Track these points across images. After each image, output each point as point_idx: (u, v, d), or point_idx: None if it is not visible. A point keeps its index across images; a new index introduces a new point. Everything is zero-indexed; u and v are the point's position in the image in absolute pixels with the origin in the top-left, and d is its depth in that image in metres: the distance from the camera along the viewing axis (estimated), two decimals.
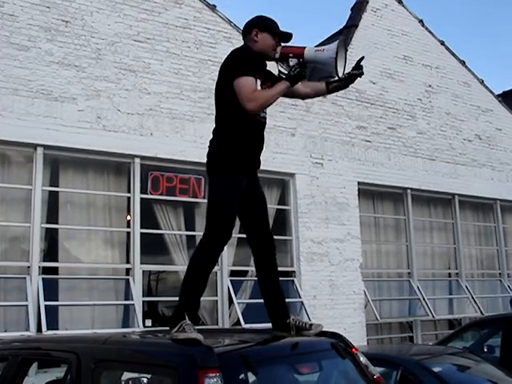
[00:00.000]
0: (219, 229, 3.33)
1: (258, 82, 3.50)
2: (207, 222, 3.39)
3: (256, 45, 3.63)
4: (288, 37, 3.67)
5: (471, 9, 57.03)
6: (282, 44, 3.64)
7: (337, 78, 3.61)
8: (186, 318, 3.10)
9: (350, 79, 3.61)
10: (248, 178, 3.53)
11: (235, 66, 3.47)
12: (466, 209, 11.49)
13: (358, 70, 3.60)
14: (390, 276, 10.22)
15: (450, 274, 11.08)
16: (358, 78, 3.61)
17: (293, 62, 3.48)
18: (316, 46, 3.58)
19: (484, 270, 11.62)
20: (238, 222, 3.58)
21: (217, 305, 8.08)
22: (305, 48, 3.50)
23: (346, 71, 3.58)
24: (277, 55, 3.58)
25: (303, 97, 4.04)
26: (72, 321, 7.03)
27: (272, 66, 3.74)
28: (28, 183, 7.05)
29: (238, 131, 3.47)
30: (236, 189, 3.42)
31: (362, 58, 3.63)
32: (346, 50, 3.62)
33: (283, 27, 3.73)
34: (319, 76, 10.12)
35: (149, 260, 7.88)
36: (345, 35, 10.43)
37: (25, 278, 6.78)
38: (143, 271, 7.65)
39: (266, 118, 3.66)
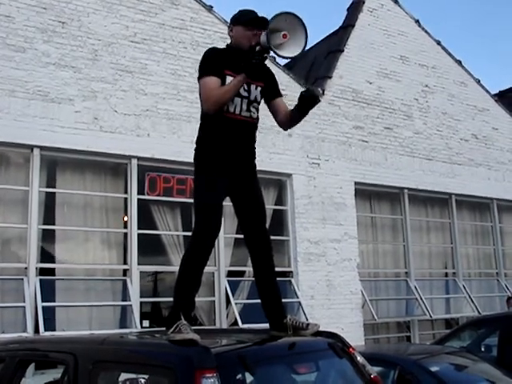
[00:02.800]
0: (201, 223, 3.42)
1: (229, 78, 3.42)
2: (194, 220, 3.45)
3: (233, 40, 3.64)
4: (262, 22, 3.37)
5: (467, 8, 57.13)
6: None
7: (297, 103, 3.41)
8: (182, 318, 3.11)
9: (303, 100, 3.39)
10: (235, 175, 3.51)
11: (199, 68, 3.52)
12: (463, 208, 11.51)
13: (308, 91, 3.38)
14: (387, 276, 10.23)
15: (447, 273, 11.11)
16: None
17: (257, 49, 3.31)
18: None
19: (481, 270, 11.64)
20: (234, 222, 3.59)
21: (214, 305, 8.08)
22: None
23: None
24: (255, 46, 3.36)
25: (282, 123, 3.74)
26: (69, 322, 7.03)
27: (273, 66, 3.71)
28: (25, 184, 7.05)
29: (212, 131, 3.52)
30: (214, 185, 3.45)
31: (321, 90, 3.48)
32: (306, 31, 3.23)
33: None
34: (315, 77, 10.16)
35: (146, 261, 7.88)
36: (340, 35, 10.45)
37: (22, 279, 6.78)
38: (140, 272, 7.66)
39: (255, 118, 3.56)
